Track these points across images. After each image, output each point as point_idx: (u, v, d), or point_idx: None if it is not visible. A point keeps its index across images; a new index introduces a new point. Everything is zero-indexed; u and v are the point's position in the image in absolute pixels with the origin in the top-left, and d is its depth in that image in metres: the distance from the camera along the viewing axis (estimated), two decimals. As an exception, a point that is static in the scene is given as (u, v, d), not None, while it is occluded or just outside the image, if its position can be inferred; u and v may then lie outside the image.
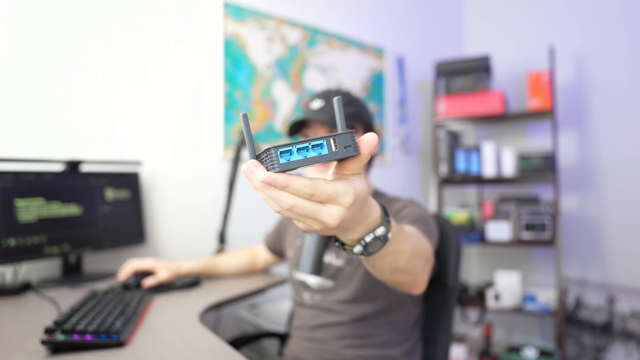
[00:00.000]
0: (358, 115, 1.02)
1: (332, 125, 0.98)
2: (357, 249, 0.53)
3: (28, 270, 1.26)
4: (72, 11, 1.38)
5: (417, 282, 0.71)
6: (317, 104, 1.02)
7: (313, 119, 0.98)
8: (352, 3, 2.25)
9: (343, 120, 0.43)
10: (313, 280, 1.04)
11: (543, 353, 2.07)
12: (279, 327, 1.53)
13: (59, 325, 0.71)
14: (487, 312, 2.57)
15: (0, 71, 1.25)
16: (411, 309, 1.02)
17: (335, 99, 0.43)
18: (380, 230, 0.52)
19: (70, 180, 1.25)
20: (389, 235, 0.54)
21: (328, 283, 1.02)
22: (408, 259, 0.64)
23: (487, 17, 2.78)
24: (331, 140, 0.40)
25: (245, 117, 0.41)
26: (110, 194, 1.35)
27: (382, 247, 0.54)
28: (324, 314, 1.01)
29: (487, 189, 2.69)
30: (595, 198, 2.29)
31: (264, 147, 1.81)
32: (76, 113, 1.39)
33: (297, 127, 1.03)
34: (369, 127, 1.05)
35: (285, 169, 0.40)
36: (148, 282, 1.09)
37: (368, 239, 0.52)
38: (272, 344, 1.49)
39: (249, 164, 0.41)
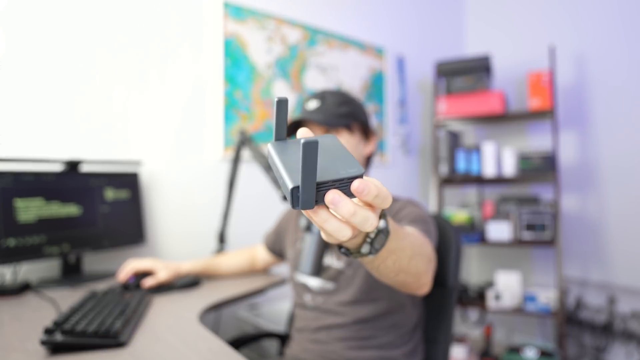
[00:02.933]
0: (354, 115, 1.02)
1: (327, 125, 0.98)
2: (365, 248, 0.52)
3: (28, 271, 1.26)
4: (72, 11, 1.38)
5: (422, 282, 0.71)
6: (313, 104, 1.02)
7: (309, 119, 0.99)
8: (352, 3, 2.25)
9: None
10: (313, 281, 1.04)
11: (543, 353, 2.07)
12: (279, 327, 1.53)
13: (58, 325, 0.71)
14: (487, 312, 2.57)
15: (0, 71, 1.25)
16: (411, 311, 1.02)
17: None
18: (381, 223, 0.52)
19: (70, 181, 1.25)
20: (389, 227, 0.54)
21: (329, 285, 1.02)
22: (410, 257, 0.64)
23: (487, 17, 2.78)
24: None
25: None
26: (110, 194, 1.34)
27: (386, 240, 0.53)
28: (325, 316, 1.00)
29: (487, 189, 2.69)
30: (596, 198, 2.28)
31: (264, 147, 1.81)
32: (76, 113, 1.39)
33: (294, 128, 1.04)
34: (365, 126, 1.05)
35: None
36: (148, 282, 1.09)
37: (372, 234, 0.52)
38: (272, 344, 1.49)
39: (334, 193, 0.36)
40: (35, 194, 1.16)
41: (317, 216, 0.38)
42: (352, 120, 1.02)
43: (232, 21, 1.74)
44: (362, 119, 1.04)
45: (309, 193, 0.35)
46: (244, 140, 1.38)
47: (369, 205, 0.40)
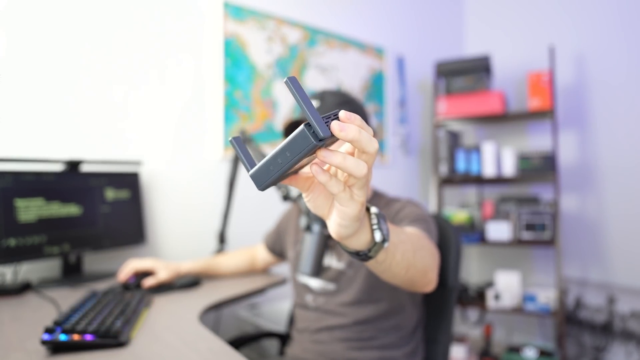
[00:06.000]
0: None
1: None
2: (378, 236, 0.53)
3: (28, 270, 1.26)
4: (71, 11, 1.38)
5: (429, 278, 0.72)
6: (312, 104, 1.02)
7: None
8: (352, 3, 2.25)
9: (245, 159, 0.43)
10: (314, 282, 1.05)
11: (543, 353, 2.07)
12: (279, 327, 1.53)
13: (59, 325, 0.71)
14: (487, 312, 2.57)
15: (0, 71, 1.25)
16: (411, 311, 1.02)
17: (230, 140, 0.43)
18: (374, 209, 0.54)
19: (70, 180, 1.25)
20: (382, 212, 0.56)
21: (330, 286, 1.02)
22: (413, 250, 0.65)
23: (487, 17, 2.78)
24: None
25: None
26: (110, 194, 1.35)
27: (387, 223, 0.55)
28: (327, 317, 1.01)
29: (487, 189, 2.69)
30: (596, 198, 2.29)
31: (264, 147, 1.81)
32: (76, 113, 1.39)
33: (293, 128, 1.04)
34: None
35: None
36: (148, 282, 1.09)
37: (374, 220, 0.53)
38: (272, 344, 1.49)
39: (335, 122, 0.40)
40: (35, 194, 1.16)
41: (335, 156, 0.40)
42: None
43: (232, 21, 1.74)
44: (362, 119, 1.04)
45: (318, 119, 0.37)
46: (244, 140, 1.38)
47: None
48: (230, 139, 0.43)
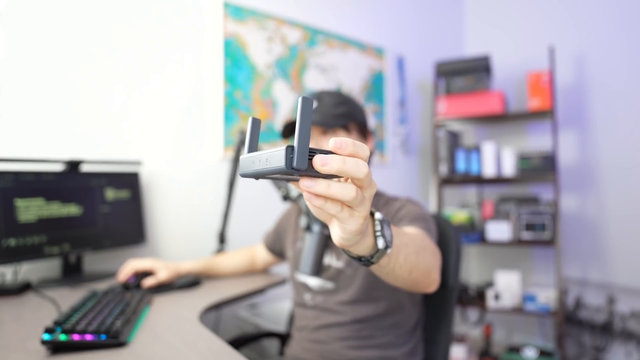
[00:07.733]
0: (351, 115, 1.02)
1: (325, 126, 0.98)
2: (381, 243, 0.53)
3: (28, 270, 1.26)
4: (72, 11, 1.38)
5: (432, 278, 0.73)
6: None
7: None
8: (352, 3, 2.25)
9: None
10: (313, 281, 1.05)
11: (543, 353, 2.07)
12: (279, 327, 1.53)
13: (59, 325, 0.71)
14: (487, 312, 2.57)
15: (0, 71, 1.25)
16: (411, 310, 1.02)
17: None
18: (378, 215, 0.54)
19: (71, 180, 1.25)
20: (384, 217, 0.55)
21: (328, 284, 1.02)
22: (415, 252, 0.65)
23: (487, 17, 2.79)
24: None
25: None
26: (110, 194, 1.35)
27: (390, 229, 0.54)
28: (325, 315, 1.01)
29: (487, 189, 2.69)
30: (595, 198, 2.29)
31: (265, 148, 1.81)
32: (76, 113, 1.39)
33: (291, 128, 1.04)
34: (363, 127, 1.06)
35: None
36: (148, 282, 1.09)
37: (378, 227, 0.53)
38: (272, 344, 1.49)
39: (318, 156, 0.38)
40: (35, 193, 1.16)
41: (318, 186, 0.38)
42: (350, 121, 1.02)
43: (232, 21, 1.74)
44: (359, 119, 1.04)
45: (302, 149, 0.35)
46: (244, 141, 1.38)
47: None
48: (252, 117, 0.42)
